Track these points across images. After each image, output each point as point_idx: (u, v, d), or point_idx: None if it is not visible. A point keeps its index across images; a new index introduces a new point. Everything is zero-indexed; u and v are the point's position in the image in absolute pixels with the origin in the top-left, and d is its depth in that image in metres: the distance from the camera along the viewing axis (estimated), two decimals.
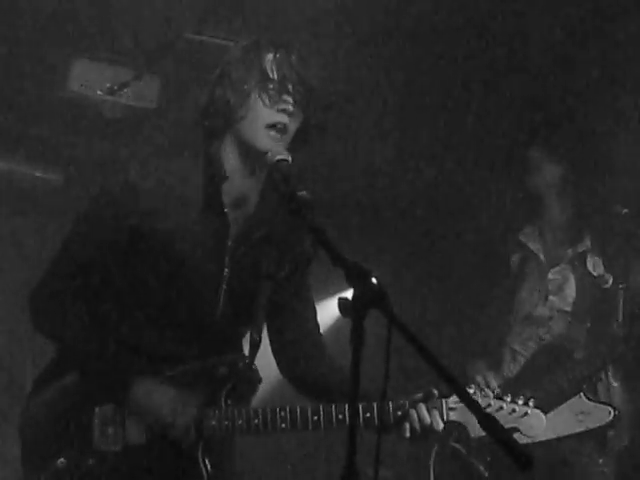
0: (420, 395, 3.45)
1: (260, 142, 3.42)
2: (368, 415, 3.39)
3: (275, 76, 3.44)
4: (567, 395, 4.67)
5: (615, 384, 5.16)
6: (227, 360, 3.51)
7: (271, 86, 3.43)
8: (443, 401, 3.44)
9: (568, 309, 5.33)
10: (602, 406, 4.74)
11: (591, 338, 5.22)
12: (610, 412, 4.72)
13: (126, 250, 3.47)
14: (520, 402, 3.46)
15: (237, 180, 3.52)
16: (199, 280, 3.49)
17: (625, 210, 5.12)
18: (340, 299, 2.63)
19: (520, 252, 5.46)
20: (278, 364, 3.76)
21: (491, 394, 3.46)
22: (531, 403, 3.46)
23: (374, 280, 2.63)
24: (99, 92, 6.13)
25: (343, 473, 2.51)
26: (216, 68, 3.56)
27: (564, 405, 4.53)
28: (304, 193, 3.22)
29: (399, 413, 3.42)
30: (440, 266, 6.47)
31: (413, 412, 3.41)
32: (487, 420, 2.53)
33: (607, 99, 5.70)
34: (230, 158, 3.52)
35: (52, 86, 6.11)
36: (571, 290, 5.34)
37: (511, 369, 5.33)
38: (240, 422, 3.42)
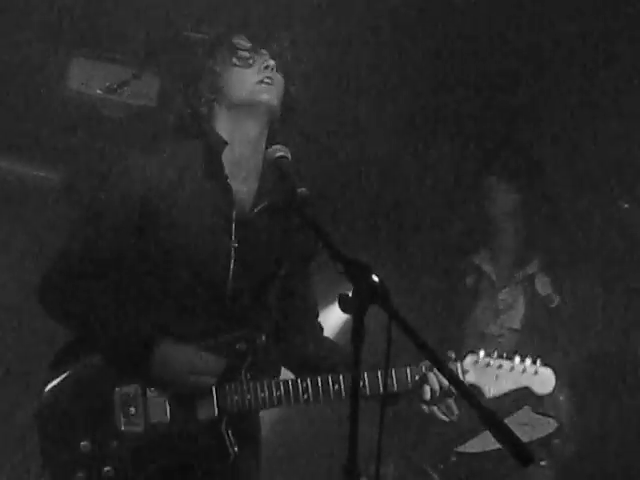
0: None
1: (255, 95, 3.59)
2: (372, 383, 3.48)
3: (247, 44, 3.66)
4: (516, 408, 4.78)
5: (561, 397, 5.36)
6: (244, 335, 3.53)
7: (245, 53, 3.64)
8: (458, 364, 3.61)
9: (517, 327, 5.62)
10: (546, 418, 4.86)
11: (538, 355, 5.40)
12: (553, 423, 4.85)
13: (136, 228, 3.51)
14: (529, 361, 3.66)
15: (236, 146, 3.61)
16: (208, 253, 3.52)
17: (626, 205, 5.22)
18: (340, 295, 2.64)
19: (474, 273, 5.78)
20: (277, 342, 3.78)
21: (504, 355, 3.64)
22: (539, 361, 3.65)
23: (374, 276, 2.64)
24: (99, 91, 6.13)
25: (346, 463, 2.53)
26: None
27: (511, 417, 4.66)
28: (304, 189, 3.24)
29: (417, 377, 3.54)
30: (407, 279, 6.52)
31: (432, 375, 3.53)
32: (489, 417, 2.53)
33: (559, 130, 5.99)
34: (225, 127, 3.62)
35: (52, 85, 6.11)
36: (520, 309, 5.65)
37: (502, 352, 5.41)
38: (262, 395, 3.46)
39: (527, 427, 4.83)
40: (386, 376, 2.78)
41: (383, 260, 6.52)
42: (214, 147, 3.58)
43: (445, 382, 3.51)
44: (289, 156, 3.40)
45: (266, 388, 3.45)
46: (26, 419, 3.68)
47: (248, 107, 3.59)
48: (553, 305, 5.55)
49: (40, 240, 6.14)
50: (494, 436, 2.51)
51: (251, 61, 3.63)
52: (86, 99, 6.14)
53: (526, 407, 4.65)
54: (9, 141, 6.59)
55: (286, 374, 3.69)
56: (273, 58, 3.63)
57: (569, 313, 5.50)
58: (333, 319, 5.77)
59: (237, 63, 3.63)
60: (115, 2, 5.59)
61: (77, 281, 3.51)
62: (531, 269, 5.66)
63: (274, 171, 3.43)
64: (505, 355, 3.66)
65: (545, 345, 5.46)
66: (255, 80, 3.60)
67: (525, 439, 4.79)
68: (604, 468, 5.41)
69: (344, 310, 2.65)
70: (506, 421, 3.97)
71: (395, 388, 3.53)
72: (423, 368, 3.54)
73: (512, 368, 3.63)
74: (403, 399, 3.58)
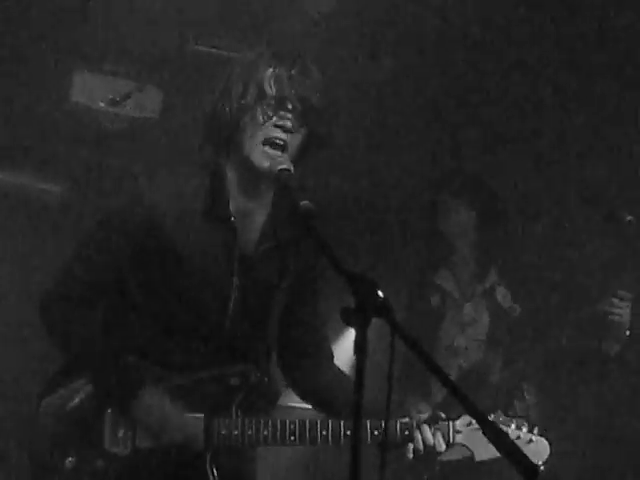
0: (426, 416, 3.54)
1: (257, 159, 3.41)
2: (376, 433, 3.42)
3: (273, 92, 3.42)
4: (487, 414, 4.81)
5: (530, 399, 5.55)
6: (238, 370, 3.51)
7: (268, 102, 3.42)
8: (450, 423, 3.52)
9: (483, 338, 5.77)
10: (518, 420, 4.88)
11: (504, 362, 5.70)
12: (525, 425, 4.89)
13: (137, 259, 3.49)
14: (524, 429, 3.57)
15: (241, 196, 3.53)
16: (209, 289, 3.49)
17: (630, 217, 5.26)
18: (343, 308, 2.62)
19: (438, 293, 5.91)
20: (283, 372, 3.76)
21: (498, 421, 3.53)
22: (535, 430, 3.57)
23: (378, 290, 2.64)
24: (101, 104, 6.14)
25: None
26: (218, 79, 3.56)
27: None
28: (307, 202, 3.22)
29: (406, 433, 3.48)
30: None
31: (417, 433, 3.47)
32: (494, 431, 2.52)
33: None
34: (234, 173, 3.52)
35: (54, 98, 6.11)
36: (485, 321, 5.81)
37: (438, 397, 5.65)
38: (250, 433, 3.42)
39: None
40: (389, 389, 2.74)
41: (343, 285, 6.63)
42: (220, 191, 3.51)
43: (431, 442, 3.46)
44: (292, 168, 3.38)
45: (254, 426, 3.41)
46: (18, 433, 3.70)
47: (254, 168, 3.43)
48: (515, 314, 5.73)
49: (41, 253, 6.14)
50: (499, 451, 2.50)
51: (272, 115, 3.41)
52: (89, 112, 6.15)
53: (498, 411, 4.66)
54: (11, 153, 6.59)
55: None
56: (294, 108, 3.41)
57: (529, 320, 5.67)
58: (349, 344, 5.81)
59: (260, 113, 3.40)
60: (117, 15, 5.59)
61: (74, 308, 3.51)
62: (489, 281, 5.82)
63: (282, 193, 3.40)
64: (502, 418, 3.60)
65: (510, 353, 5.64)
66: (264, 138, 3.40)
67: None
68: (579, 465, 5.57)
69: (347, 322, 2.63)
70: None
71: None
72: (413, 424, 3.49)
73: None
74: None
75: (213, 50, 5.71)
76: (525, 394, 5.57)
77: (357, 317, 2.60)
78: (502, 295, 5.80)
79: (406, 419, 3.50)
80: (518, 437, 3.54)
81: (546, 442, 3.59)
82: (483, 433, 2.53)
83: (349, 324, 2.63)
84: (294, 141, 3.44)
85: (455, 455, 4.61)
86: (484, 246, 5.83)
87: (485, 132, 6.27)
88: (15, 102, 6.12)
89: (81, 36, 5.74)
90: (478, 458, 3.54)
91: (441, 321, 5.84)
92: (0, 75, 5.92)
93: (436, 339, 5.80)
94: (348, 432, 3.41)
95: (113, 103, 6.12)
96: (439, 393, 5.66)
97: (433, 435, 3.49)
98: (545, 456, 3.56)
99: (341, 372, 3.73)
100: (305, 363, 3.74)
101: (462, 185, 5.82)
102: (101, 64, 6.05)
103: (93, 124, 6.23)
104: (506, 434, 2.55)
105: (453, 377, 5.64)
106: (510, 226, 5.95)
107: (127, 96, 6.10)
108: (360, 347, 2.56)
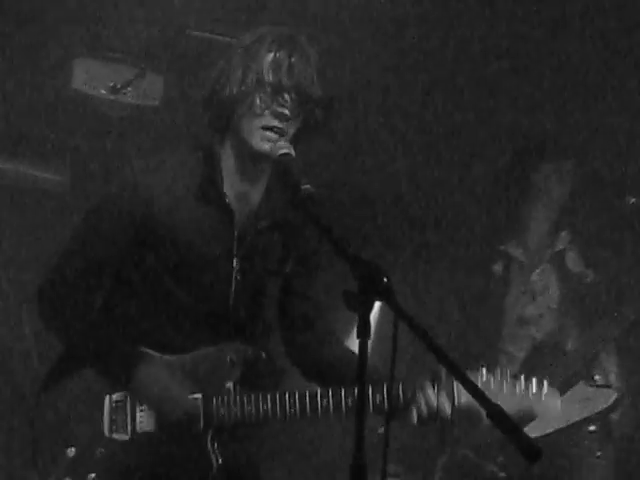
0: (429, 378, 3.42)
1: (256, 143, 3.41)
2: (378, 400, 3.37)
3: (271, 79, 3.41)
4: (567, 386, 4.73)
5: (611, 368, 5.33)
6: (234, 347, 3.50)
7: (267, 89, 3.41)
8: (454, 383, 3.39)
9: (555, 306, 5.53)
10: (603, 389, 4.81)
11: (580, 329, 5.44)
12: (612, 394, 4.79)
13: (134, 244, 3.48)
14: (534, 383, 3.42)
15: (237, 178, 3.52)
16: (209, 271, 3.49)
17: (633, 200, 5.20)
18: (345, 291, 2.62)
19: (502, 260, 5.67)
20: (286, 350, 3.76)
21: (507, 376, 3.42)
22: (545, 382, 3.42)
23: (381, 273, 2.63)
24: (102, 91, 6.11)
25: (352, 463, 2.50)
26: (217, 64, 3.55)
27: (566, 394, 4.58)
28: (308, 186, 3.21)
29: (409, 395, 3.39)
30: (432, 275, 6.50)
31: (420, 395, 3.37)
32: (495, 411, 2.51)
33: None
34: (230, 155, 3.52)
35: (55, 85, 6.09)
36: (555, 288, 5.56)
37: (506, 372, 5.37)
38: (249, 408, 3.41)
39: (585, 401, 4.78)
40: (392, 370, 2.70)
41: (405, 259, 6.55)
42: (215, 174, 3.51)
43: (434, 404, 3.35)
44: (293, 152, 3.37)
45: (253, 401, 3.41)
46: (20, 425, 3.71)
47: (252, 151, 3.44)
48: (588, 280, 5.51)
49: (43, 242, 6.13)
50: (502, 433, 2.48)
51: (269, 103, 3.41)
52: (89, 99, 6.13)
53: (581, 382, 4.59)
54: (11, 142, 6.58)
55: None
56: (291, 105, 3.41)
57: (605, 287, 5.43)
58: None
59: (258, 99, 3.40)
60: (117, 1, 5.58)
61: (71, 295, 3.51)
62: (561, 244, 5.60)
63: (279, 172, 3.39)
64: (509, 375, 3.45)
65: (585, 321, 5.41)
66: (263, 124, 3.41)
67: (585, 414, 4.80)
68: None
69: (349, 307, 2.63)
70: (564, 398, 3.92)
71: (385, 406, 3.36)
72: (415, 386, 3.39)
73: (513, 391, 3.41)
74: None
75: (216, 36, 5.69)
76: (605, 364, 5.39)
77: (359, 300, 2.59)
78: (572, 260, 5.57)
79: (408, 382, 3.40)
80: (527, 393, 3.37)
81: (557, 394, 3.42)
82: (486, 414, 2.51)
83: (350, 308, 2.62)
84: (290, 128, 3.44)
85: (600, 405, 4.53)
86: (560, 208, 5.61)
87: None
88: (15, 90, 6.11)
89: (81, 23, 5.72)
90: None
91: (507, 291, 5.62)
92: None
93: (502, 309, 5.59)
94: (349, 400, 3.37)
95: (114, 90, 6.09)
96: (511, 369, 5.46)
97: (437, 396, 3.37)
98: (556, 410, 3.39)
99: (347, 350, 3.71)
100: (306, 340, 3.72)
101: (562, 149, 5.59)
102: (102, 51, 6.03)
103: (94, 111, 6.21)
104: (506, 413, 2.50)
105: (526, 348, 5.45)
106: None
107: (128, 83, 6.07)
108: (362, 331, 2.56)
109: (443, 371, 3.41)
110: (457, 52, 5.78)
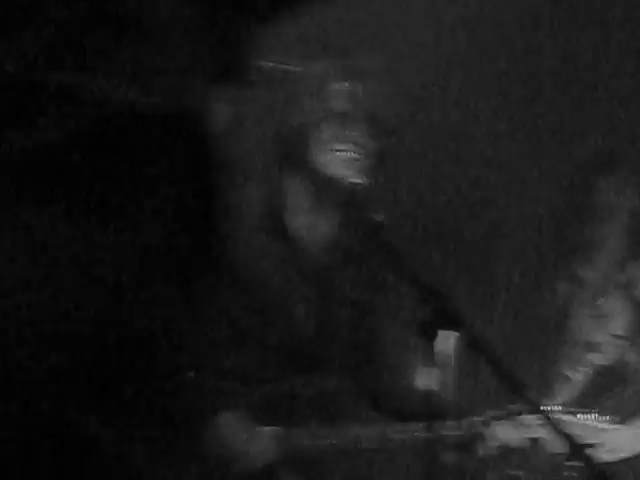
0: (495, 412, 3.40)
1: (327, 170, 3.38)
2: (452, 435, 3.37)
3: (341, 109, 3.41)
4: (631, 415, 4.64)
5: None
6: (313, 381, 3.52)
7: (336, 119, 3.40)
8: (519, 418, 3.37)
9: (622, 334, 5.37)
10: None
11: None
12: None
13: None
14: (603, 418, 3.44)
15: (304, 208, 3.50)
16: (280, 304, 3.50)
17: None
18: (418, 321, 2.63)
19: (567, 278, 5.52)
20: (356, 382, 3.74)
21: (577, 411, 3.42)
22: (614, 418, 3.49)
23: (450, 302, 2.63)
24: None
25: None
26: (282, 94, 3.59)
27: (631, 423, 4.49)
28: (378, 217, 3.21)
29: (472, 431, 3.37)
30: (488, 291, 6.45)
31: (486, 431, 3.36)
32: (567, 439, 2.50)
33: None
34: (297, 187, 3.50)
35: None
36: (625, 315, 5.29)
37: (563, 395, 5.35)
38: (320, 442, 3.40)
39: None
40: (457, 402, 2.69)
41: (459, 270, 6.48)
42: (277, 208, 3.48)
43: (502, 439, 3.33)
44: (364, 182, 3.35)
45: (324, 435, 3.39)
46: None
47: (326, 179, 3.38)
48: None
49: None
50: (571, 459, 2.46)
51: (339, 133, 3.36)
52: None
53: None
54: None
55: None
56: (361, 125, 3.37)
57: None
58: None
59: (327, 129, 3.37)
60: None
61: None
62: (634, 270, 5.22)
63: (350, 202, 3.39)
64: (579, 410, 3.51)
65: None
66: (332, 152, 3.35)
67: None
68: None
69: (420, 337, 2.64)
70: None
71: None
72: (481, 422, 3.37)
73: (584, 423, 3.45)
74: None
75: (283, 66, 5.72)
76: None
77: (430, 330, 2.61)
78: None
79: (473, 418, 3.37)
80: (595, 426, 3.39)
81: (626, 429, 3.48)
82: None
83: (422, 338, 2.63)
84: (362, 157, 3.41)
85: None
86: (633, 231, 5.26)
87: None
88: None
89: None
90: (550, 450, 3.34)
91: (569, 312, 5.40)
92: None
93: (564, 332, 5.34)
94: (419, 434, 3.29)
95: None
96: (567, 393, 5.36)
97: (504, 431, 3.36)
98: (626, 444, 3.43)
99: (413, 382, 3.70)
100: (376, 372, 3.72)
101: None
102: None
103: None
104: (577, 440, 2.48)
105: (588, 375, 5.18)
106: None
107: None
108: (427, 360, 2.57)
109: (511, 407, 3.40)
110: (535, 63, 5.68)
